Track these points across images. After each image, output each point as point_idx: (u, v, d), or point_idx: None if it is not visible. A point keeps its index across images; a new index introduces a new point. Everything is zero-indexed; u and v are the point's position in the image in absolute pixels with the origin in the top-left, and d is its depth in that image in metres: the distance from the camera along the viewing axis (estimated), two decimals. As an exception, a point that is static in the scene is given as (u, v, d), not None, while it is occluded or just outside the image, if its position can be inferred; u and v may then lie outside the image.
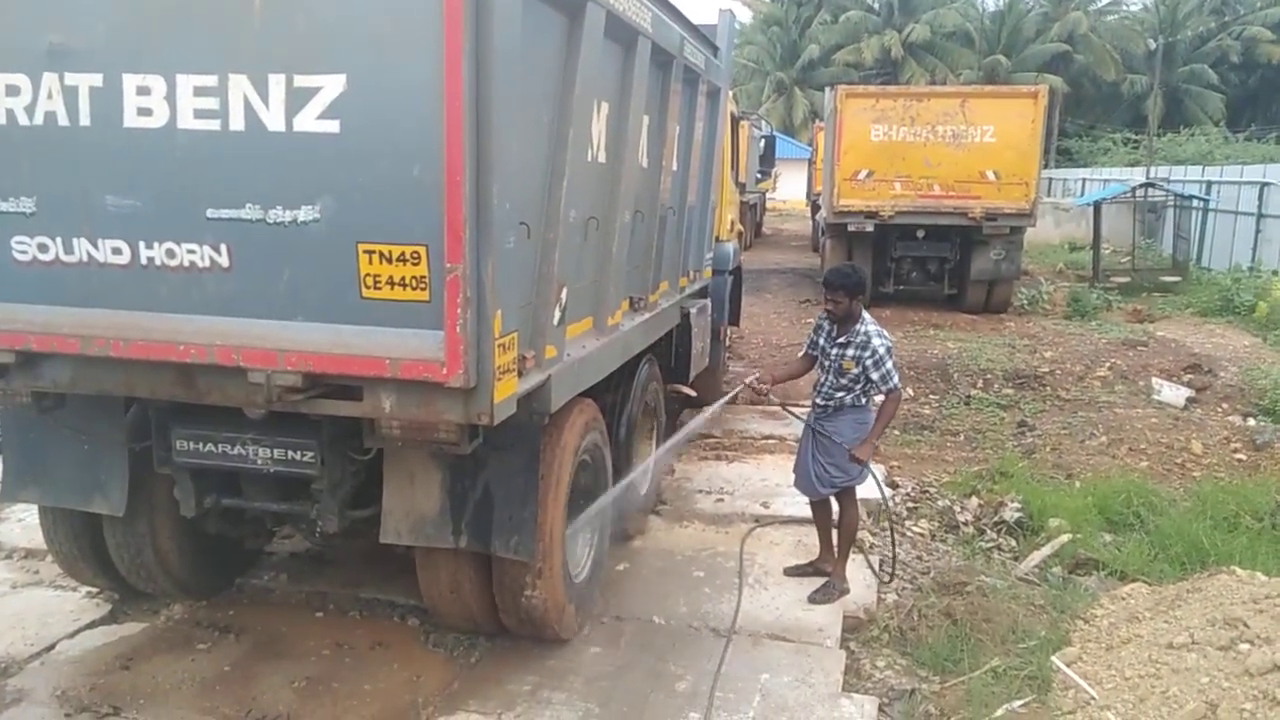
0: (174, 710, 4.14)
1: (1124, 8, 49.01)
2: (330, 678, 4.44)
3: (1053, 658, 4.53)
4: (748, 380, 5.52)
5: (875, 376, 5.02)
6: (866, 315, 5.18)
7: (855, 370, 5.07)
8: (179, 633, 4.85)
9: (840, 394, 5.16)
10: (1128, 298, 16.46)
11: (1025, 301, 15.47)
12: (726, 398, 6.32)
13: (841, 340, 5.15)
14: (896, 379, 5.06)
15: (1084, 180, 32.35)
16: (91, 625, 4.89)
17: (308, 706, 4.20)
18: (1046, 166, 31.44)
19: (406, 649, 4.72)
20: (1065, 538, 6.19)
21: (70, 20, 3.30)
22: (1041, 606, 5.22)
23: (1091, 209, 19.80)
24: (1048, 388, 10.51)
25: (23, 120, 3.39)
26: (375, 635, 4.84)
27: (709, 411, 6.24)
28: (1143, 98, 43.80)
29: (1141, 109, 43.33)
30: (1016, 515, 6.66)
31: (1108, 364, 11.08)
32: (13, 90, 3.38)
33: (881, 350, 5.01)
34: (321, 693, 4.31)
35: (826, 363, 5.22)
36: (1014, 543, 6.40)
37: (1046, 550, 6.07)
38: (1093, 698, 4.14)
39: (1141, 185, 20.90)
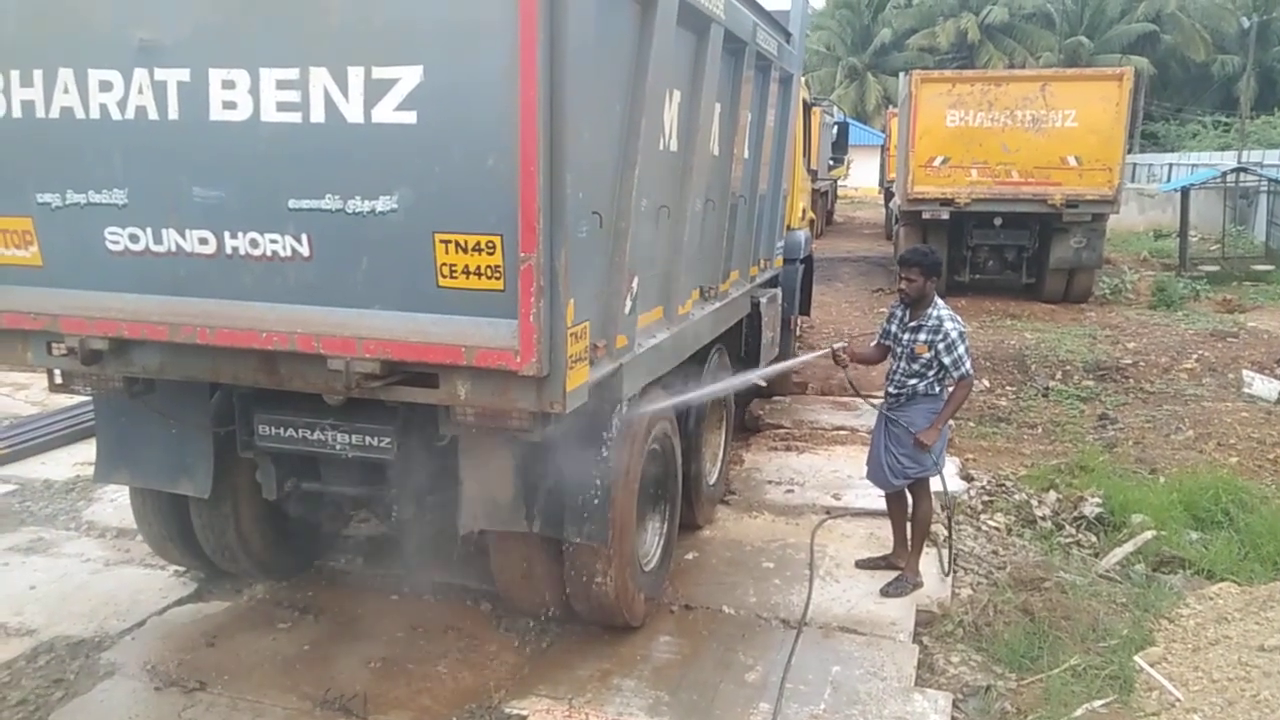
0: (256, 687, 4.27)
1: (1215, -16, 47.06)
2: (405, 659, 4.54)
3: (1135, 657, 4.41)
4: (835, 345, 5.45)
5: (947, 361, 4.93)
6: (940, 300, 5.09)
7: (928, 355, 4.98)
8: (261, 612, 5.00)
9: (913, 381, 5.08)
10: (1217, 287, 15.85)
11: (1107, 291, 15.01)
12: (810, 356, 6.26)
13: (914, 325, 5.07)
14: (969, 365, 4.96)
15: (1171, 165, 31.25)
16: (179, 603, 5.07)
17: (383, 687, 4.29)
18: (1131, 151, 30.42)
19: (479, 633, 4.80)
20: (1149, 534, 6.00)
21: (159, 17, 3.40)
22: (1124, 605, 5.08)
23: (1179, 195, 19.10)
24: (1131, 380, 10.20)
25: (115, 115, 3.50)
26: (448, 618, 4.92)
27: (795, 361, 6.20)
28: (1234, 79, 42.06)
29: (1233, 91, 41.62)
30: (1097, 510, 6.47)
31: (1195, 356, 10.70)
32: (105, 86, 3.49)
33: (954, 334, 4.92)
34: (396, 674, 4.41)
35: (899, 349, 5.15)
36: (1094, 539, 6.22)
37: (1129, 547, 5.89)
38: (1178, 699, 4.01)
39: (1233, 170, 20.12)
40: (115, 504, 6.14)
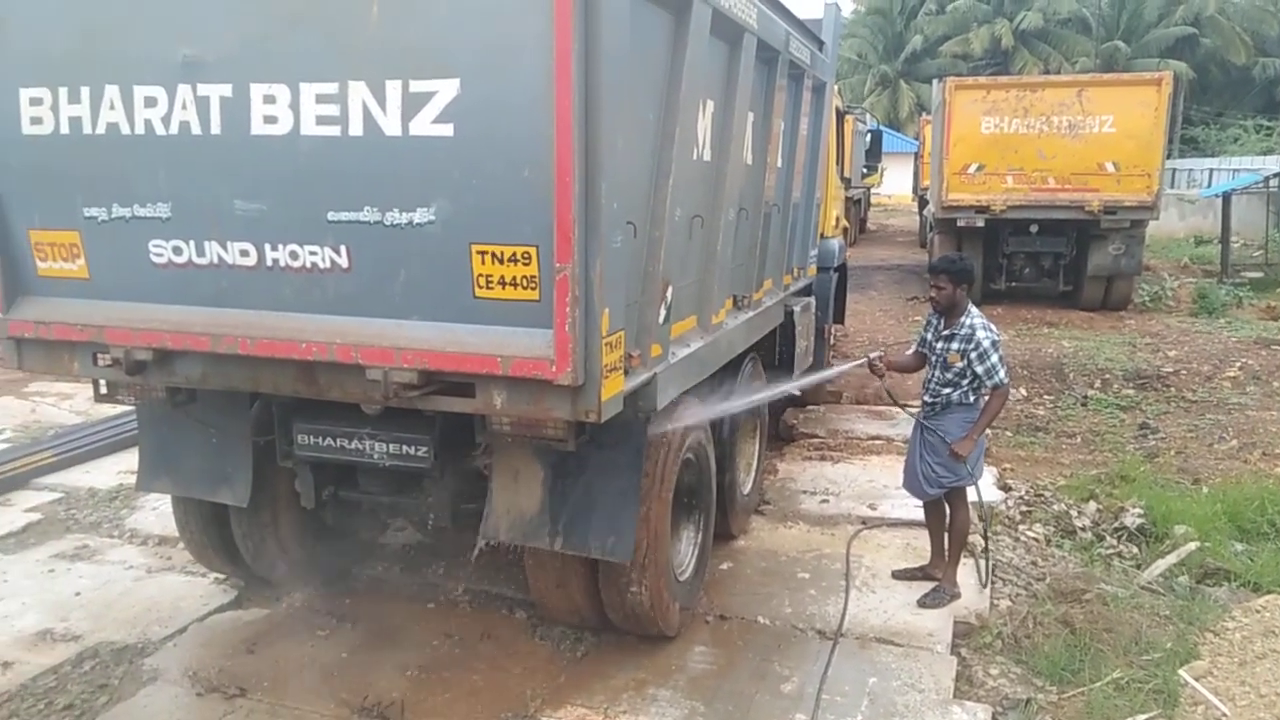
0: (295, 694, 4.31)
1: (1256, -13, 46.28)
2: (441, 667, 4.56)
3: (1180, 671, 4.33)
4: (870, 355, 5.44)
5: (980, 370, 4.89)
6: (974, 309, 5.04)
7: (960, 364, 4.94)
8: (299, 619, 5.05)
9: (947, 390, 5.04)
10: (1260, 294, 15.56)
11: (1147, 298, 14.80)
12: (846, 366, 6.25)
13: (947, 333, 5.04)
14: (1003, 374, 4.90)
15: (1211, 170, 30.71)
16: (219, 610, 5.14)
17: (419, 695, 4.32)
18: (1170, 156, 29.93)
19: (514, 641, 4.81)
20: (1192, 546, 5.90)
21: (203, 34, 3.47)
22: (1167, 617, 4.99)
23: (1220, 200, 18.78)
24: (1172, 388, 10.04)
25: (160, 130, 3.58)
26: (484, 627, 4.95)
27: (832, 372, 6.34)
28: (1276, 82, 41.31)
29: (1275, 94, 40.87)
30: (1138, 521, 6.37)
31: (1238, 364, 10.51)
32: (151, 102, 3.57)
33: (986, 343, 4.87)
34: (433, 682, 4.43)
35: (933, 357, 5.12)
36: (1136, 550, 6.12)
37: (1172, 558, 5.79)
38: (1224, 715, 3.93)
39: (1275, 174, 19.72)
40: (157, 512, 6.24)
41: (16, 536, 6.12)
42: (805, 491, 6.88)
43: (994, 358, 4.87)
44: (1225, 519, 6.32)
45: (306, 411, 4.26)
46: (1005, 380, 4.94)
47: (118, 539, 6.10)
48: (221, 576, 5.39)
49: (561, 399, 3.37)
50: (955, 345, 4.97)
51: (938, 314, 5.14)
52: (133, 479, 5.14)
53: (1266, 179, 19.46)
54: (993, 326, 4.98)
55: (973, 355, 4.89)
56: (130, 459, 5.91)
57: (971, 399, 5.01)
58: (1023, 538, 6.22)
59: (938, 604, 5.07)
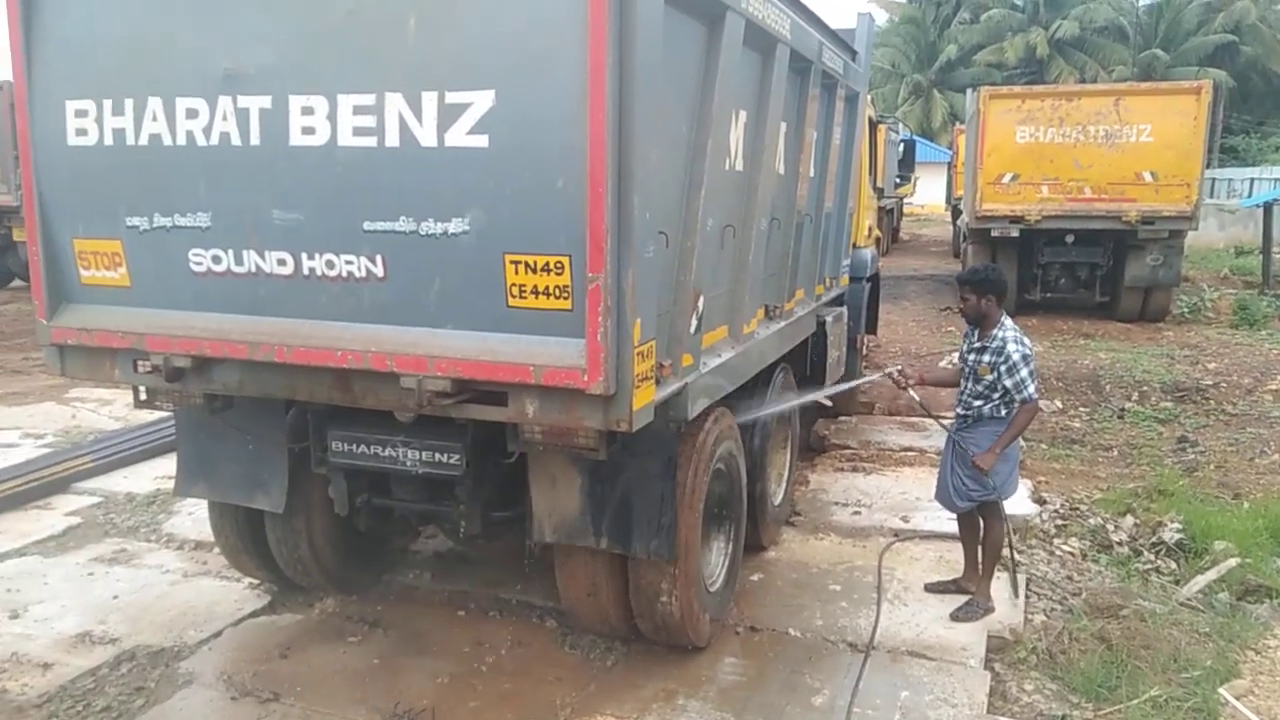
0: (328, 699, 4.34)
1: (1297, -6, 45.55)
2: (471, 675, 4.57)
3: (1220, 689, 4.25)
4: (888, 370, 5.42)
5: (1009, 384, 4.83)
6: (1007, 321, 4.99)
7: (990, 377, 4.90)
8: (331, 625, 5.09)
9: (978, 403, 4.99)
10: (1302, 306, 15.30)
11: (1186, 309, 14.59)
12: (865, 380, 6.21)
13: (979, 345, 5.00)
14: (1031, 389, 4.84)
15: (1252, 180, 30.29)
16: (253, 614, 5.19)
17: (449, 702, 4.33)
18: (1210, 166, 29.53)
19: (544, 650, 4.82)
20: (1233, 562, 5.79)
21: (243, 47, 3.53)
22: (1206, 634, 4.90)
23: (1261, 210, 18.47)
24: (1211, 401, 9.88)
25: (200, 141, 3.64)
26: (514, 635, 4.96)
27: (855, 383, 6.48)
28: (1319, 90, 40.64)
29: (1318, 102, 40.20)
30: (1177, 536, 6.26)
31: (1280, 376, 10.33)
32: (192, 113, 3.63)
33: (1016, 356, 4.82)
34: (463, 689, 4.45)
35: (966, 369, 5.07)
36: (1174, 565, 6.02)
37: (1212, 574, 5.69)
38: (1266, 735, 3.86)
39: (1318, 184, 19.39)
40: (194, 517, 6.32)
41: (57, 540, 6.23)
42: (837, 503, 6.84)
43: (1023, 372, 4.81)
44: (1267, 535, 6.19)
45: (341, 419, 4.30)
46: (1035, 395, 4.88)
47: (155, 543, 6.18)
48: (255, 582, 5.45)
49: (593, 408, 3.38)
50: (986, 358, 4.93)
51: (970, 325, 5.10)
52: (170, 484, 5.22)
53: (1309, 189, 19.13)
54: (1025, 340, 4.92)
55: (1002, 369, 4.84)
56: (168, 465, 5.99)
57: (1003, 413, 4.95)
58: (1058, 552, 6.14)
59: (971, 618, 5.01)
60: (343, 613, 5.22)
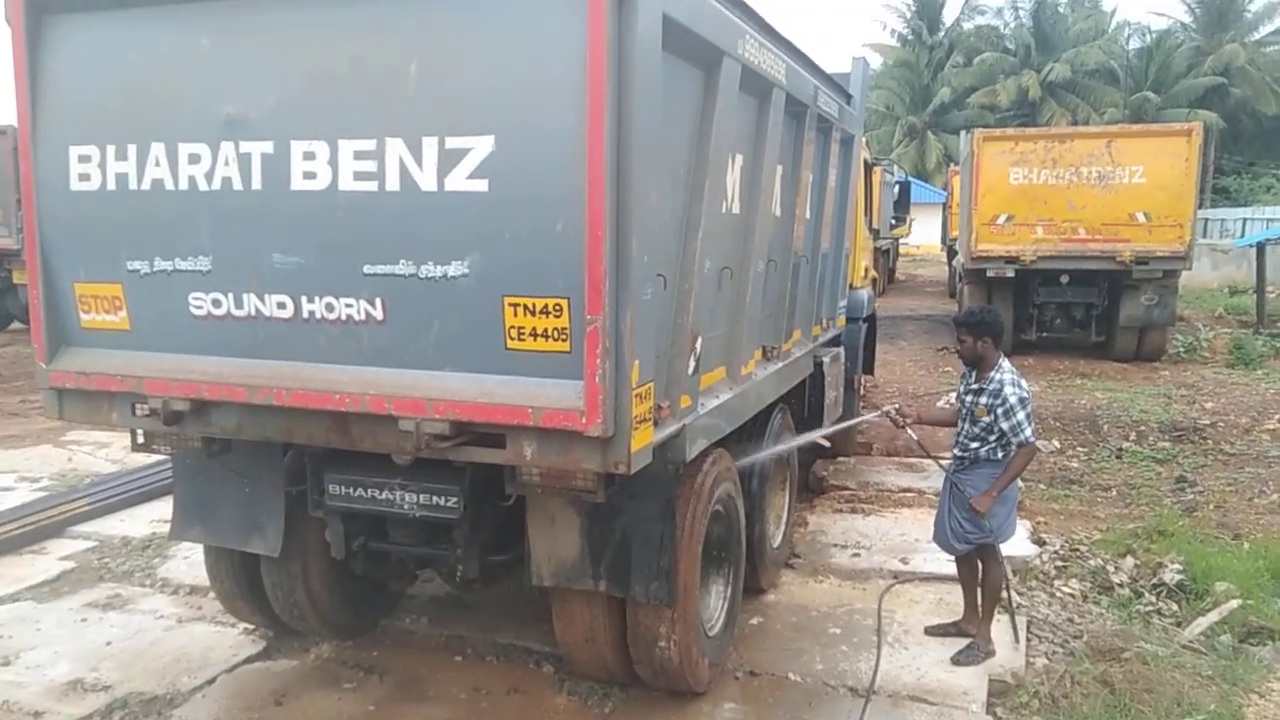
0: (322, 746, 4.29)
1: (1284, 37, 46.24)
2: (468, 721, 4.52)
3: (1225, 734, 4.20)
4: (885, 408, 5.44)
5: (1005, 427, 4.83)
6: (1005, 363, 5.00)
7: (987, 419, 4.90)
8: (327, 671, 5.03)
9: (975, 444, 4.99)
10: (1298, 345, 15.34)
11: (1181, 349, 14.62)
12: (863, 419, 6.20)
13: (976, 386, 5.01)
14: (1028, 432, 4.83)
15: (1244, 220, 30.48)
16: (248, 660, 5.14)
17: (447, 749, 4.28)
18: (1202, 206, 29.75)
19: (542, 696, 4.76)
20: (1234, 603, 5.75)
21: (245, 93, 3.58)
22: (1209, 677, 4.86)
23: (1254, 250, 18.60)
24: (1209, 441, 9.87)
25: (202, 186, 3.67)
26: (511, 681, 4.90)
27: (844, 424, 6.44)
28: (1308, 132, 41.12)
29: (1308, 143, 40.65)
30: (1177, 577, 6.23)
31: (1278, 416, 10.32)
32: (194, 159, 3.67)
33: (1013, 399, 4.82)
34: (460, 736, 4.39)
35: (963, 410, 5.08)
36: (1175, 607, 5.98)
37: (1213, 616, 5.65)
38: (1273, 781, 3.81)
39: (1310, 224, 19.54)
40: (189, 561, 6.28)
41: (50, 585, 6.17)
42: (836, 545, 6.81)
43: (1020, 415, 4.81)
44: (1268, 575, 6.17)
45: (338, 462, 4.29)
46: (1032, 438, 4.87)
47: (149, 588, 6.13)
48: (251, 627, 5.39)
49: (591, 450, 3.38)
50: (984, 400, 4.93)
51: (968, 366, 5.12)
52: (166, 528, 5.19)
53: (1301, 229, 19.28)
54: (1023, 383, 4.93)
55: (999, 411, 4.84)
56: (164, 508, 5.96)
57: (999, 455, 4.95)
58: (1058, 593, 6.10)
59: (972, 661, 4.97)
60: (338, 658, 5.17)
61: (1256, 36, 45.14)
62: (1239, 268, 22.75)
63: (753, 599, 5.72)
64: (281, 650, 5.25)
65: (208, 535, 4.82)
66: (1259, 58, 42.97)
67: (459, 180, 3.29)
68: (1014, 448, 4.89)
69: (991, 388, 4.90)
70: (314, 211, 3.53)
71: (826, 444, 7.27)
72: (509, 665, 5.09)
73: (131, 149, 3.75)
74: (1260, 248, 18.19)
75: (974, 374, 5.06)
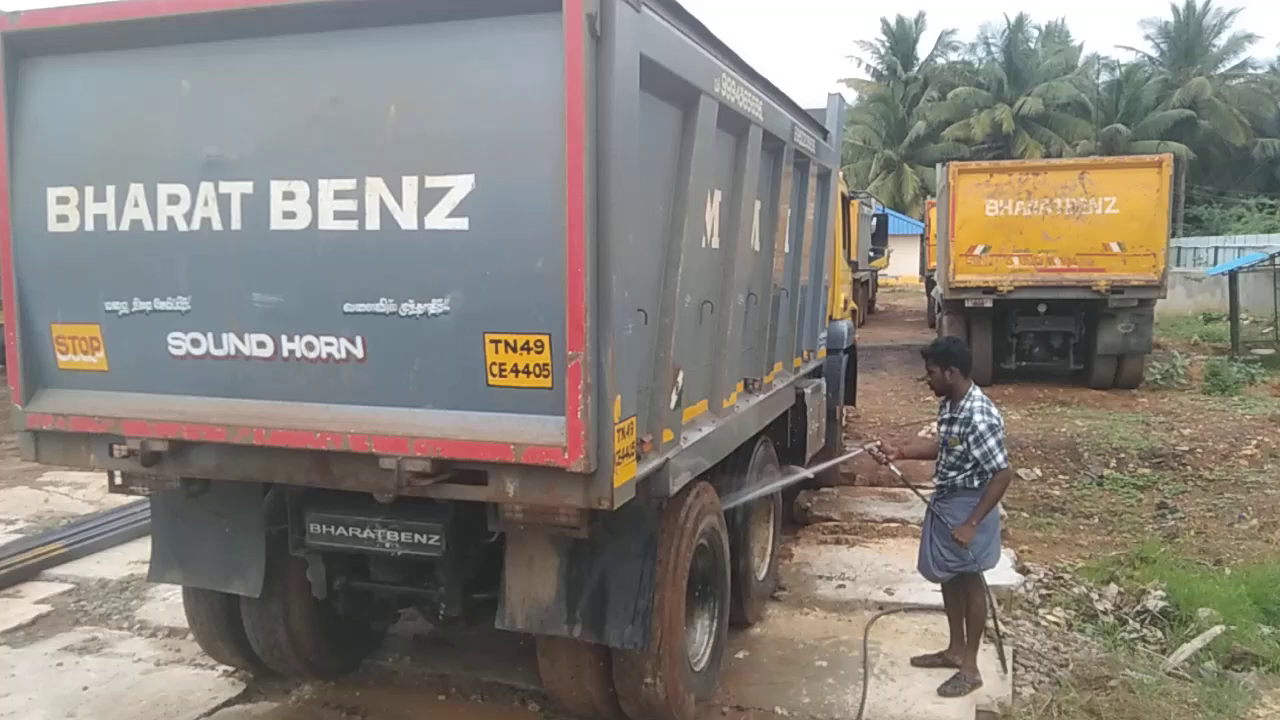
0: (303, 791, 4.22)
1: (1250, 70, 47.21)
2: (452, 763, 4.46)
3: (1211, 762, 4.20)
4: (866, 446, 5.49)
5: (977, 454, 4.87)
6: (975, 391, 5.06)
7: (960, 447, 4.95)
8: (308, 713, 4.96)
9: (952, 473, 5.03)
10: (1272, 370, 15.51)
11: (1158, 376, 14.77)
12: (845, 457, 6.23)
13: (949, 416, 5.08)
14: (1000, 459, 4.87)
15: (1216, 248, 31.01)
16: (228, 703, 5.06)
17: (430, 792, 4.21)
18: (1175, 235, 30.20)
19: (526, 735, 4.71)
20: (1218, 629, 5.78)
21: (225, 134, 3.60)
22: (1195, 705, 4.86)
23: (1227, 278, 18.89)
24: (1189, 467, 9.95)
25: (181, 226, 3.68)
26: (496, 719, 4.85)
27: (827, 464, 6.57)
28: (1276, 161, 41.90)
29: (1276, 173, 41.42)
30: (1161, 604, 6.25)
31: (1255, 441, 10.43)
32: (174, 199, 3.68)
33: (982, 427, 4.86)
34: (444, 778, 4.33)
35: (941, 440, 5.13)
36: (1160, 634, 6.00)
37: (1197, 643, 5.67)
38: (1260, 808, 3.80)
39: (1280, 252, 19.89)
40: (168, 603, 6.19)
41: (25, 629, 6.07)
42: (821, 576, 6.80)
43: (991, 442, 4.85)
44: (1250, 601, 6.20)
45: (319, 501, 4.26)
46: (1004, 465, 4.91)
47: (127, 631, 6.04)
48: (231, 669, 5.31)
49: (574, 486, 3.38)
50: (956, 429, 4.99)
51: (939, 396, 5.18)
52: (144, 569, 5.12)
53: (1272, 257, 19.60)
54: (993, 410, 4.97)
55: (970, 439, 4.89)
56: (142, 549, 5.89)
57: (975, 483, 4.97)
58: (1043, 622, 6.10)
59: (959, 692, 4.96)
60: (320, 699, 5.09)
61: (1223, 70, 46.12)
62: (1213, 295, 23.08)
63: (738, 633, 5.70)
64: (262, 692, 5.17)
65: (187, 576, 4.76)
66: (1225, 90, 43.86)
67: (439, 219, 3.31)
68: (989, 475, 4.92)
69: (963, 416, 4.95)
70: (294, 251, 3.54)
71: (809, 474, 7.28)
72: (494, 704, 5.04)
73: (110, 190, 3.75)
74: (1233, 275, 18.49)
75: (947, 404, 5.11)
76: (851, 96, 50.06)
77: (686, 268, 3.99)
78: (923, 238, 28.53)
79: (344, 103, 3.44)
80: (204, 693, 5.16)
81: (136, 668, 5.49)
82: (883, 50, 52.02)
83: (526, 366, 3.31)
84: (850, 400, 9.81)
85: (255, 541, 4.50)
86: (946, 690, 4.98)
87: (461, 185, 3.28)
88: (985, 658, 5.22)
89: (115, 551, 7.51)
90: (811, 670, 5.32)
